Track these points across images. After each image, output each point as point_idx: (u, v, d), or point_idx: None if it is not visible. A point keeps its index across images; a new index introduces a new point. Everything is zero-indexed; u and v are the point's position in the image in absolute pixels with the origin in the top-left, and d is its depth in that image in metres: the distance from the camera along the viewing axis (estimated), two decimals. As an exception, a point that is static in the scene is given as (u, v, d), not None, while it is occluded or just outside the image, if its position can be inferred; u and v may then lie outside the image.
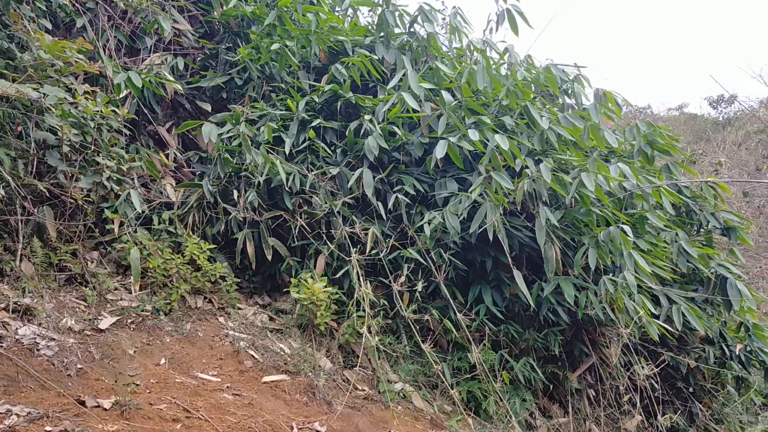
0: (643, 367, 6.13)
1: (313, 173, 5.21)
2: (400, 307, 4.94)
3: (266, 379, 4.15)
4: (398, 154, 5.62)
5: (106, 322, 4.25)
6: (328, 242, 5.23)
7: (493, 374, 5.29)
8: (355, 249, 5.02)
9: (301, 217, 5.25)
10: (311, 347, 4.87)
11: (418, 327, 5.35)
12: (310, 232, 5.29)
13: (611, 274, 5.35)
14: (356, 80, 5.73)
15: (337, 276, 5.11)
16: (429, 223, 4.95)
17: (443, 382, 5.03)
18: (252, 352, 4.42)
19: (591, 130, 5.49)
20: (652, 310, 5.05)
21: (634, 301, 5.07)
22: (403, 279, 4.97)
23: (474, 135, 4.90)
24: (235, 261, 5.25)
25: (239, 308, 5.22)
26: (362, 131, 5.35)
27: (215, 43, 6.70)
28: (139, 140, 6.23)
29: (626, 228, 4.81)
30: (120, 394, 3.42)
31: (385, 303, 5.23)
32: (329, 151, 5.39)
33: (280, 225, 5.43)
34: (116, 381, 3.64)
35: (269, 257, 5.26)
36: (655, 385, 6.19)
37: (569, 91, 7.39)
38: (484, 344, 5.14)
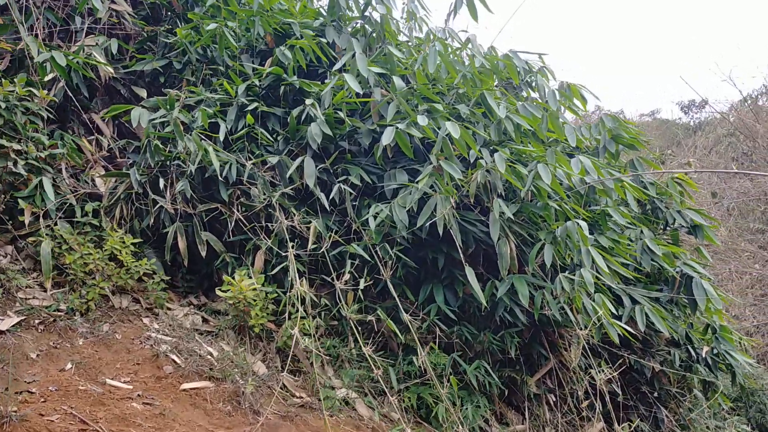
0: (603, 371, 5.83)
1: (250, 162, 4.81)
2: (343, 306, 4.55)
3: (186, 386, 3.74)
4: (347, 143, 5.24)
5: (7, 323, 3.80)
6: (267, 237, 4.83)
7: (445, 379, 4.93)
8: (293, 244, 4.63)
9: (238, 210, 4.84)
10: (245, 351, 4.47)
11: (364, 328, 4.98)
12: (249, 225, 4.89)
13: (569, 272, 5.03)
14: (302, 64, 5.34)
15: (275, 273, 4.71)
16: (375, 217, 4.57)
17: (392, 387, 4.66)
18: (174, 357, 4.00)
19: (549, 119, 5.17)
20: (613, 311, 4.73)
21: (593, 300, 4.75)
22: (347, 277, 4.58)
23: (423, 120, 4.54)
24: (166, 257, 4.82)
25: (169, 308, 4.79)
26: (305, 118, 4.96)
27: (158, 26, 6.26)
28: (71, 127, 5.78)
29: (583, 223, 4.49)
30: (3, 404, 2.99)
31: (328, 303, 4.85)
32: (270, 139, 4.99)
33: (217, 219, 5.01)
34: (6, 389, 3.21)
35: (203, 253, 4.84)
36: (618, 390, 5.88)
37: (533, 84, 7.09)
38: (432, 347, 4.78)
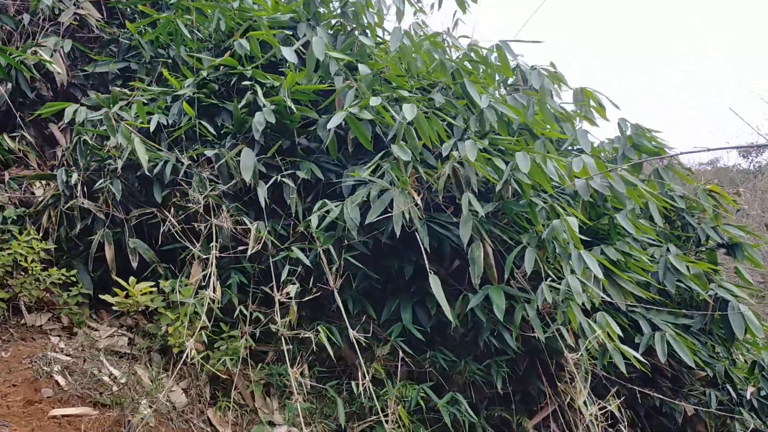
0: (623, 413, 4.85)
1: (185, 155, 4.18)
2: (281, 323, 3.80)
3: (57, 412, 3.03)
4: (305, 140, 4.58)
5: None
6: (206, 244, 4.15)
7: (415, 415, 4.08)
8: (230, 251, 3.94)
9: (175, 213, 4.19)
10: (168, 377, 3.74)
11: (322, 354, 4.20)
12: (191, 231, 4.23)
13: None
14: (257, 55, 4.74)
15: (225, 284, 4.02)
16: (323, 217, 3.84)
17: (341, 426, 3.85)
18: (60, 378, 3.31)
19: (537, 106, 4.38)
20: (618, 332, 3.81)
21: (595, 321, 3.85)
22: (291, 288, 3.84)
23: (375, 101, 3.84)
24: (89, 268, 4.19)
25: (92, 328, 4.13)
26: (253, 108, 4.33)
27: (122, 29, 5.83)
28: (20, 133, 5.32)
29: (573, 219, 3.65)
30: None
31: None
32: (213, 133, 4.35)
33: (157, 225, 4.37)
34: None
35: (135, 264, 4.19)
36: (640, 436, 4.89)
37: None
38: (372, 371, 3.95)
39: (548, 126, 4.94)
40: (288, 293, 3.73)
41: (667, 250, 5.13)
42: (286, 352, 4.08)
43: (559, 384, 4.48)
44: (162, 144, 4.45)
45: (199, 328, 3.72)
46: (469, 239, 3.73)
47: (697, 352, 4.94)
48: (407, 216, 3.71)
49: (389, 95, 4.25)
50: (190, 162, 4.16)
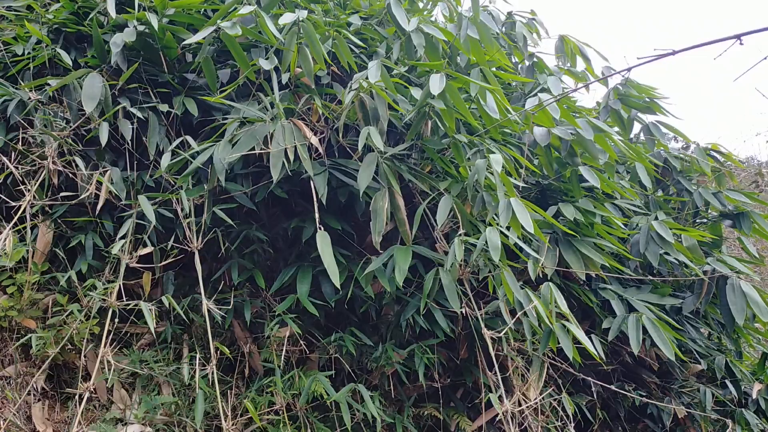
0: (601, 416, 3.98)
1: (35, 91, 3.37)
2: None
3: None
4: (197, 75, 3.75)
5: None
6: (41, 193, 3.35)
7: (316, 412, 3.24)
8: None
9: (12, 158, 3.39)
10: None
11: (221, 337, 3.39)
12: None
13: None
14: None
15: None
16: (192, 158, 3.01)
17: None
18: None
19: (474, 25, 3.47)
20: (562, 307, 2.89)
21: (537, 291, 2.96)
22: (144, 249, 3.02)
23: (247, 8, 2.99)
24: None
25: None
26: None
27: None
28: None
29: (497, 157, 2.76)
30: None
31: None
32: (69, 63, 3.51)
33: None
34: None
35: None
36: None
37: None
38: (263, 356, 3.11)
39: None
40: (133, 256, 2.90)
41: (656, 217, 4.20)
42: (154, 333, 3.28)
43: (512, 377, 3.58)
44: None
45: (28, 301, 2.93)
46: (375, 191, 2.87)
47: (684, 341, 4.02)
48: (292, 157, 2.86)
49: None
50: (40, 99, 3.35)
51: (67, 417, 3.01)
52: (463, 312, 3.03)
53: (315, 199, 2.97)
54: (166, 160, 2.92)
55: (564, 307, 2.90)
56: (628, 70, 2.71)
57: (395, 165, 3.05)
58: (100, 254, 3.28)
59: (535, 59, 5.28)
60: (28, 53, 3.54)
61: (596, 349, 3.31)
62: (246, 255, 3.43)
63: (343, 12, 3.81)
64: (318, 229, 2.87)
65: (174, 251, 3.07)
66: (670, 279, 3.89)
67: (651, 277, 4.11)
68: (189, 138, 3.03)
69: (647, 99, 4.79)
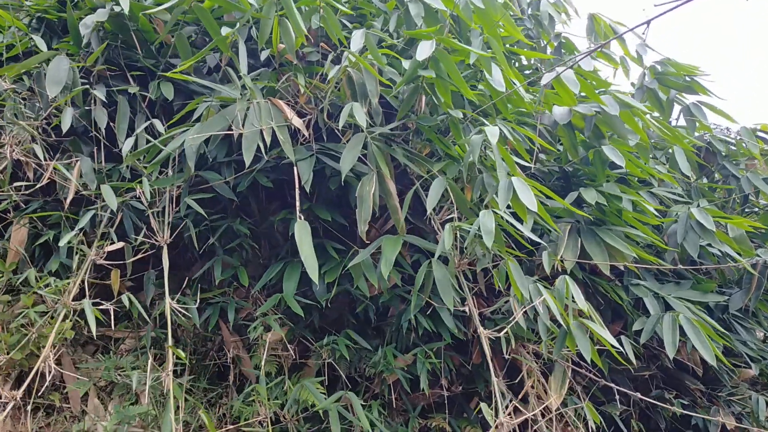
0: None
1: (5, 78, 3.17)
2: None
3: None
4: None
5: None
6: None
7: (309, 423, 2.92)
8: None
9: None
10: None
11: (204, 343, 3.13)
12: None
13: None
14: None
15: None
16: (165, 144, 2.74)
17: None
18: None
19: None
20: (579, 303, 2.50)
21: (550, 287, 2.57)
22: (113, 245, 2.76)
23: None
24: None
25: None
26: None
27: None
28: None
29: (494, 129, 2.39)
30: None
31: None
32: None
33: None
34: None
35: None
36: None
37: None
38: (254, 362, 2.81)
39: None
40: (101, 252, 2.65)
41: (698, 205, 3.74)
42: (137, 339, 3.03)
43: (528, 383, 3.19)
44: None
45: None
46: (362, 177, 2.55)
47: (731, 343, 3.54)
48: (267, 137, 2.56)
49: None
50: (15, 88, 3.15)
51: (37, 429, 2.77)
52: (466, 311, 2.66)
53: (297, 186, 2.67)
54: (127, 146, 2.66)
55: (581, 302, 2.51)
56: (647, 22, 2.32)
57: (386, 146, 2.72)
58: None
59: (562, 40, 4.88)
60: (8, 42, 3.35)
61: (625, 352, 2.91)
62: (232, 251, 3.15)
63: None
64: (299, 218, 2.56)
65: (145, 246, 2.80)
66: (706, 268, 3.43)
67: (686, 268, 3.66)
68: (156, 122, 2.76)
69: (687, 78, 4.35)
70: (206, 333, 3.25)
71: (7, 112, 3.02)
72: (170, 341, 2.54)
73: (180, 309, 2.54)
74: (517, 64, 4.64)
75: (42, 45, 3.18)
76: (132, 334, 3.23)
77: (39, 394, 2.88)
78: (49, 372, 2.75)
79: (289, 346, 2.89)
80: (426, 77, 2.58)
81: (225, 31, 2.63)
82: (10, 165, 2.82)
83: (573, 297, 2.52)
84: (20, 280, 2.81)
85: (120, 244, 2.76)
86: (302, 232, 2.48)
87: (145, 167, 2.74)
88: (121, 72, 3.16)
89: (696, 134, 4.62)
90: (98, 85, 3.09)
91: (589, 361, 2.46)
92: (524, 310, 2.34)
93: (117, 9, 3.04)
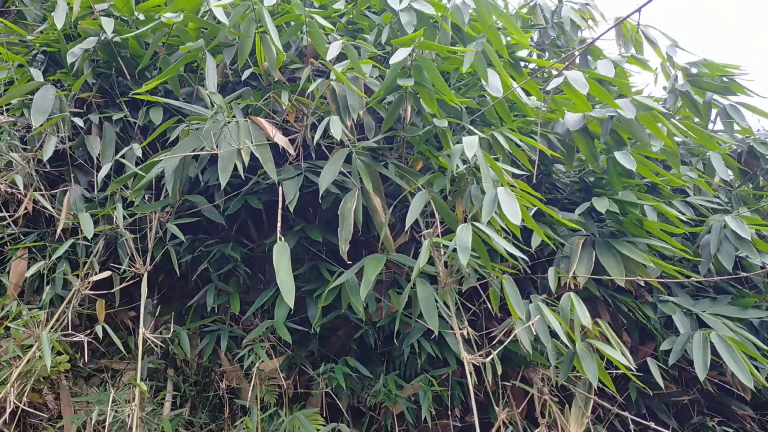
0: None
1: None
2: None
3: None
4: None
5: None
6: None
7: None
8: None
9: None
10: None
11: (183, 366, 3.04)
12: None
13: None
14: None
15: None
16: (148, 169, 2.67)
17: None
18: None
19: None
20: (584, 321, 2.26)
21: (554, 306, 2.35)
22: (93, 272, 2.70)
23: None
24: None
25: None
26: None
27: None
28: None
29: (471, 140, 2.20)
30: None
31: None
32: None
33: None
34: None
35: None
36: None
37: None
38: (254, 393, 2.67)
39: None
40: (87, 282, 2.59)
41: (737, 213, 3.43)
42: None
43: (540, 413, 2.94)
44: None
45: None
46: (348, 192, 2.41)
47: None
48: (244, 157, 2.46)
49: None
50: (12, 120, 3.18)
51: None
52: (465, 335, 2.46)
53: (280, 207, 2.55)
54: (103, 173, 2.60)
55: (585, 320, 2.27)
56: (638, 10, 2.11)
57: (373, 161, 2.58)
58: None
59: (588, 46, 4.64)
60: (7, 77, 3.40)
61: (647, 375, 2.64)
62: (230, 277, 3.05)
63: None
64: (279, 239, 2.43)
65: (129, 273, 2.72)
66: (731, 278, 3.13)
67: (706, 279, 3.34)
68: (135, 146, 2.70)
69: (725, 79, 4.05)
70: (208, 364, 3.15)
71: (2, 145, 3.04)
72: (138, 377, 2.43)
73: (162, 338, 2.43)
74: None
75: (38, 76, 3.19)
76: (133, 365, 3.16)
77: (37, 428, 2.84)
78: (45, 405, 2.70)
79: (281, 375, 2.74)
80: (411, 86, 2.43)
81: (196, 46, 2.54)
82: (27, 202, 2.81)
83: (580, 311, 2.29)
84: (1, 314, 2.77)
85: (106, 273, 2.70)
86: (280, 254, 2.35)
87: (129, 192, 2.68)
88: (116, 99, 3.15)
89: (739, 137, 4.30)
90: (92, 113, 3.08)
91: (596, 386, 2.22)
92: (516, 332, 2.12)
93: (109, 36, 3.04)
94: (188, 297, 3.28)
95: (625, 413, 2.67)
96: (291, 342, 2.69)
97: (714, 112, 4.23)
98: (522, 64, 4.04)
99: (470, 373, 2.09)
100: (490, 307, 2.56)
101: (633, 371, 2.35)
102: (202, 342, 3.01)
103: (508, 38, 3.50)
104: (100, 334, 2.52)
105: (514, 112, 3.27)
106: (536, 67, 3.89)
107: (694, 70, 4.11)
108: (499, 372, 2.37)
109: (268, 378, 2.93)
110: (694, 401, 3.49)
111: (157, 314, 3.06)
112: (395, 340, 2.90)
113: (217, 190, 2.92)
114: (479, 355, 2.15)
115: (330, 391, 2.81)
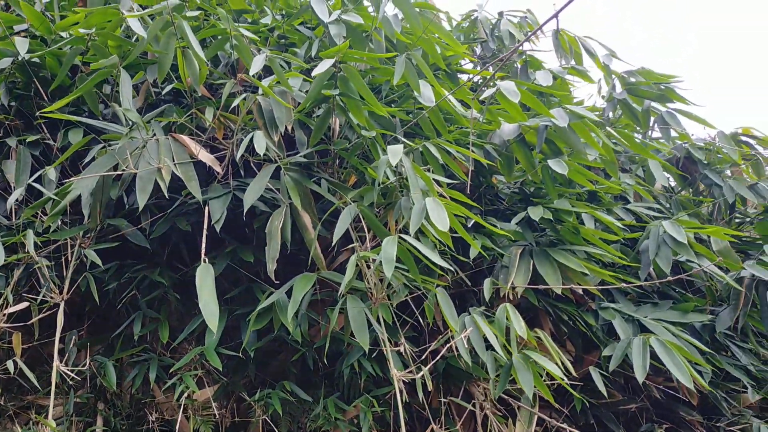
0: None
1: None
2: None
3: None
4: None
5: None
6: None
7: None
8: None
9: None
10: None
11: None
12: None
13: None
14: None
15: None
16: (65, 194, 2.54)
17: None
18: None
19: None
20: (519, 332, 2.21)
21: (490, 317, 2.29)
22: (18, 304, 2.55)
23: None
24: None
25: None
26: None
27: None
28: None
29: (395, 149, 2.15)
30: None
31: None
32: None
33: None
34: None
35: None
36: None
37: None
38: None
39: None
40: (2, 315, 2.43)
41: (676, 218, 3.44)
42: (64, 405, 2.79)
43: (482, 427, 2.86)
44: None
45: None
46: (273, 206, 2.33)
47: (720, 365, 3.20)
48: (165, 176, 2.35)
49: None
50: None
51: None
52: (403, 351, 2.38)
53: (205, 227, 2.45)
54: (13, 199, 2.46)
55: (521, 331, 2.22)
56: (556, 15, 2.10)
57: (302, 177, 2.50)
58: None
59: (527, 58, 4.68)
60: None
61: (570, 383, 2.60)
62: (161, 303, 2.92)
63: (256, 14, 3.34)
64: (203, 261, 2.33)
65: (47, 305, 2.57)
66: (669, 280, 3.14)
67: (642, 283, 3.35)
68: (50, 169, 2.57)
69: (662, 86, 4.11)
70: (140, 396, 3.00)
71: None
72: (50, 414, 2.29)
73: (82, 371, 2.29)
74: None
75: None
76: (60, 400, 2.99)
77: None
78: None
79: (214, 405, 2.62)
80: (339, 98, 2.37)
81: (110, 62, 2.44)
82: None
83: (514, 318, 2.24)
84: None
85: (23, 305, 2.55)
86: (203, 276, 2.24)
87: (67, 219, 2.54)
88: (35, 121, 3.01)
89: (677, 143, 4.37)
90: (10, 138, 2.93)
91: (530, 396, 2.16)
92: (452, 344, 2.06)
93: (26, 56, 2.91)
94: (119, 326, 3.14)
95: (565, 426, 2.61)
96: (222, 368, 2.57)
97: (653, 119, 4.30)
98: (466, 76, 4.08)
99: (400, 391, 2.01)
100: (429, 321, 2.50)
101: (569, 381, 2.30)
102: (131, 372, 2.86)
103: (446, 50, 3.49)
104: (17, 370, 2.36)
105: (451, 124, 3.24)
106: (480, 80, 3.88)
107: (632, 79, 4.17)
108: (430, 388, 2.29)
109: (203, 408, 2.80)
110: (643, 409, 3.47)
111: (81, 345, 2.90)
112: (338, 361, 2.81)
113: (143, 213, 2.80)
114: (408, 372, 2.06)
115: (267, 419, 2.69)
